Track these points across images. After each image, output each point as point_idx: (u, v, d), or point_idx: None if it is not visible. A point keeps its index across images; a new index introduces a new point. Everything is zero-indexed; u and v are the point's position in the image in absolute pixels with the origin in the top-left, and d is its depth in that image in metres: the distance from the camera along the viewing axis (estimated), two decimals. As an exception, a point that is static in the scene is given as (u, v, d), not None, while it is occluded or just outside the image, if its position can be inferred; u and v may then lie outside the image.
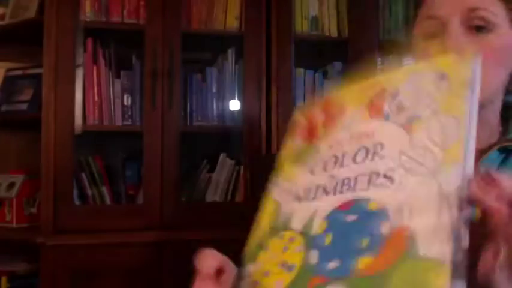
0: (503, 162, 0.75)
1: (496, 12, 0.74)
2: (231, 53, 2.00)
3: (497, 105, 0.78)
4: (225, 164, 1.98)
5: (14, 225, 1.92)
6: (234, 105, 2.00)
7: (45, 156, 1.75)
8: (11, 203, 1.93)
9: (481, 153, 0.75)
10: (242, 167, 1.96)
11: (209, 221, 1.88)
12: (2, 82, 2.09)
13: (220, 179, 1.97)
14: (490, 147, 0.76)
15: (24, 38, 2.06)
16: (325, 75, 2.12)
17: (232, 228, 1.79)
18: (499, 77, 0.75)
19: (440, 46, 0.74)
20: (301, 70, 2.05)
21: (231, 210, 1.91)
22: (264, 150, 1.93)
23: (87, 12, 1.86)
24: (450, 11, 0.74)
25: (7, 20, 2.02)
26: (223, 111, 1.99)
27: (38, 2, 1.94)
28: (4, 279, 1.89)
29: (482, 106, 0.72)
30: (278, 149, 2.14)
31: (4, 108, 2.01)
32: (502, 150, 0.75)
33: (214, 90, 1.99)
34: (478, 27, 0.73)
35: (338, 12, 2.08)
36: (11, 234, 1.90)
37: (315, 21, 2.06)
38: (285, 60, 1.96)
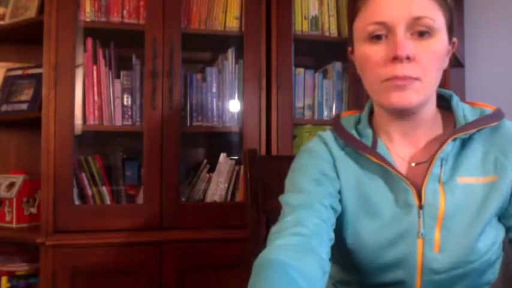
0: (459, 153, 0.86)
1: (437, 19, 0.81)
2: (231, 53, 2.00)
3: (434, 96, 0.88)
4: (225, 164, 1.98)
5: (14, 225, 1.92)
6: (234, 105, 2.00)
7: (45, 156, 1.75)
8: (11, 203, 1.93)
9: (434, 142, 0.86)
10: (242, 167, 1.96)
11: (209, 221, 1.88)
12: (2, 82, 2.08)
13: (220, 179, 1.97)
14: (443, 140, 0.85)
15: (24, 38, 2.06)
16: (325, 75, 2.12)
17: (232, 228, 1.80)
18: (439, 78, 0.85)
19: (387, 48, 0.80)
20: (301, 70, 2.06)
21: (231, 210, 1.90)
22: (263, 150, 1.93)
23: (87, 12, 1.86)
24: (396, 18, 0.79)
25: (7, 20, 2.02)
26: (223, 111, 1.99)
27: (38, 1, 1.94)
28: (4, 279, 1.89)
29: (423, 105, 0.84)
30: (278, 149, 2.15)
31: (4, 108, 2.01)
32: (454, 140, 0.85)
33: (214, 90, 1.99)
34: (421, 32, 0.80)
35: (338, 12, 2.08)
36: (11, 234, 1.90)
37: (315, 21, 2.06)
38: (285, 60, 1.96)
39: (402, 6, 0.79)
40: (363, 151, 0.88)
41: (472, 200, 0.83)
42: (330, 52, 2.11)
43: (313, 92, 2.07)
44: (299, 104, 2.05)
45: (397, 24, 0.79)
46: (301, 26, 2.03)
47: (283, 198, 0.89)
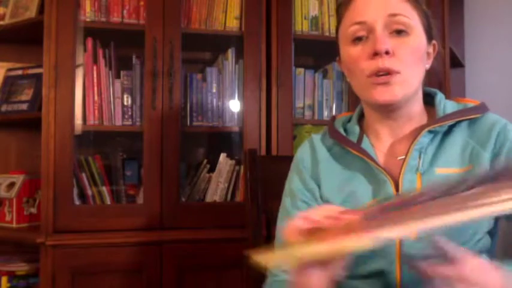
0: (439, 145, 0.90)
1: (411, 18, 0.88)
2: (231, 53, 2.00)
3: (419, 95, 0.94)
4: (225, 164, 1.98)
5: (14, 225, 1.93)
6: (234, 105, 2.00)
7: (45, 156, 1.75)
8: (11, 203, 1.93)
9: (413, 136, 0.90)
10: (242, 167, 1.96)
11: (209, 221, 1.88)
12: (2, 82, 2.09)
13: (220, 179, 1.97)
14: (419, 130, 0.90)
15: (24, 38, 2.06)
16: (325, 75, 2.12)
17: (232, 228, 1.80)
18: (420, 74, 0.91)
19: (368, 46, 0.87)
20: (301, 70, 2.06)
21: (231, 210, 1.90)
22: (263, 150, 1.93)
23: (87, 12, 1.86)
24: (374, 17, 0.87)
25: (7, 20, 2.02)
26: (223, 111, 1.99)
27: (38, 2, 1.94)
28: (4, 279, 1.89)
29: (408, 100, 0.89)
30: (278, 149, 2.14)
31: (4, 108, 2.01)
32: (431, 131, 0.90)
33: (214, 90, 1.99)
34: (399, 31, 0.88)
35: (338, 12, 2.08)
36: (11, 234, 1.90)
37: (315, 21, 2.06)
38: (285, 60, 1.96)
39: (379, 6, 0.88)
40: (346, 145, 0.94)
41: None
42: (330, 52, 2.08)
43: (313, 92, 2.07)
44: (299, 104, 2.05)
45: (376, 22, 0.87)
46: (301, 26, 2.03)
47: (277, 221, 1.00)
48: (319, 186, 0.97)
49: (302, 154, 1.02)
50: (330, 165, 0.96)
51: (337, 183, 0.94)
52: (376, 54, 0.85)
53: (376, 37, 0.86)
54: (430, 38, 0.93)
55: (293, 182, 1.01)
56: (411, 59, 0.87)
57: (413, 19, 0.88)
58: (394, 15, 0.87)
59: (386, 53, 0.85)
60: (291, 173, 1.03)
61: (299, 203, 0.97)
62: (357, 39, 0.89)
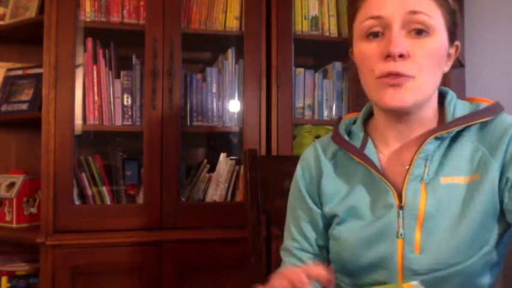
0: (447, 151, 0.84)
1: (433, 17, 0.80)
2: (231, 53, 2.00)
3: (434, 100, 0.87)
4: (225, 164, 1.98)
5: (14, 225, 1.93)
6: (234, 105, 2.00)
7: (45, 156, 1.75)
8: (11, 203, 1.93)
9: (420, 142, 0.84)
10: (242, 167, 1.96)
11: (209, 221, 1.88)
12: (2, 82, 2.08)
13: (220, 179, 1.97)
14: (426, 136, 0.84)
15: (24, 38, 2.06)
16: (325, 75, 2.12)
17: (232, 228, 1.80)
18: (437, 79, 0.84)
19: (382, 45, 0.80)
20: (301, 70, 2.06)
21: (231, 210, 1.90)
22: (263, 150, 1.93)
23: (87, 12, 1.86)
24: (392, 13, 0.79)
25: (7, 20, 2.02)
26: (223, 111, 1.99)
27: (38, 2, 1.94)
28: (4, 279, 1.89)
29: (420, 106, 0.83)
30: (278, 149, 2.14)
31: (4, 108, 2.01)
32: (438, 138, 0.83)
33: (214, 90, 1.99)
34: (418, 30, 0.79)
35: (338, 12, 2.08)
36: (11, 234, 1.90)
37: (315, 21, 2.06)
38: (284, 60, 1.96)
39: (399, 1, 0.80)
40: (347, 150, 0.90)
41: (455, 200, 0.82)
42: (330, 52, 2.11)
43: (313, 92, 2.07)
44: (299, 104, 2.05)
45: (393, 19, 0.80)
46: (301, 26, 2.03)
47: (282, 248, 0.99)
48: (321, 201, 0.94)
49: (306, 164, 0.98)
50: (333, 177, 0.93)
51: (340, 196, 0.91)
52: (388, 55, 0.79)
53: (391, 37, 0.79)
54: (452, 38, 0.85)
55: (294, 196, 0.99)
56: (428, 63, 0.80)
57: (435, 18, 0.80)
58: (415, 12, 0.79)
59: (401, 56, 0.78)
60: (293, 184, 1.00)
61: (301, 228, 0.96)
62: (372, 35, 0.82)
